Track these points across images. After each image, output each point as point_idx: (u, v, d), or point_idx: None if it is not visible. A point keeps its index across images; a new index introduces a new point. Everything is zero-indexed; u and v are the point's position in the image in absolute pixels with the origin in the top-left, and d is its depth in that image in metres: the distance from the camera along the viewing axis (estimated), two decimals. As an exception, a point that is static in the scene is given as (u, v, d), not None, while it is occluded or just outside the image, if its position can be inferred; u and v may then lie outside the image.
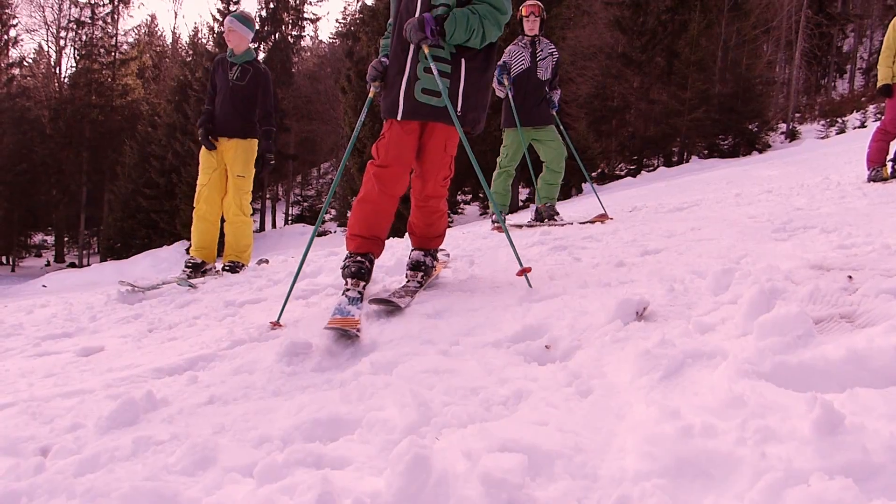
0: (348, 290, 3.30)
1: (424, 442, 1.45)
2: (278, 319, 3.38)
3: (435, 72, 3.31)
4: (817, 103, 32.16)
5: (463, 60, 3.37)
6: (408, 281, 3.58)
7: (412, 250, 3.73)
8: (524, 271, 3.22)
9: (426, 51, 3.31)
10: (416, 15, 3.35)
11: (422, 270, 3.63)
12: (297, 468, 1.60)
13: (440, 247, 4.19)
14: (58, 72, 40.04)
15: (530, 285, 3.18)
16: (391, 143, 3.43)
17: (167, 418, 2.21)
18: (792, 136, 26.39)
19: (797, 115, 29.85)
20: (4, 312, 6.13)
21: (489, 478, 1.30)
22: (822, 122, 27.07)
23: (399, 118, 3.42)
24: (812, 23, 31.25)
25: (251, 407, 2.21)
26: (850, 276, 2.30)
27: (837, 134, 24.09)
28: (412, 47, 3.38)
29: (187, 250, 25.46)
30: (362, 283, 3.34)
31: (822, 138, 23.82)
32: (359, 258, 3.41)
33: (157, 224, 30.69)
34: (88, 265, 32.11)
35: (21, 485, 1.73)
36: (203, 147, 6.00)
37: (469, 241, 5.64)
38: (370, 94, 3.65)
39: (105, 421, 2.17)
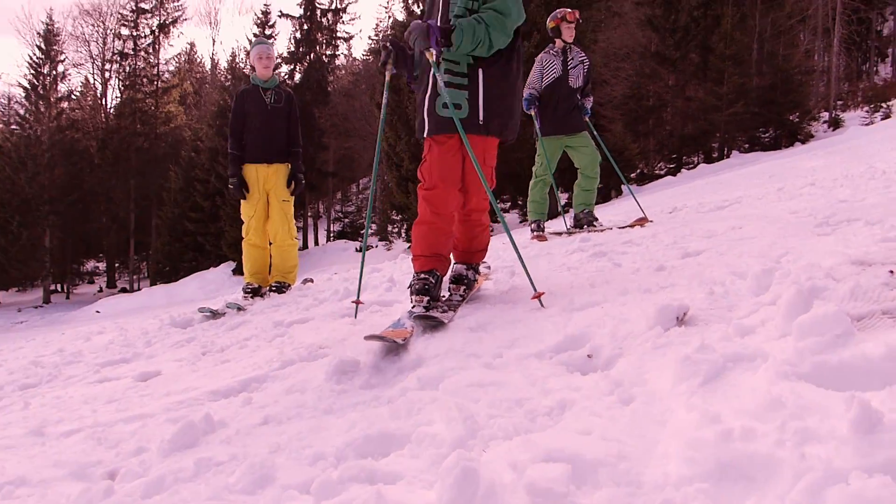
0: (413, 306, 3.38)
1: (472, 455, 1.50)
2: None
3: (441, 84, 3.33)
4: (860, 89, 31.29)
5: (480, 70, 3.40)
6: (450, 295, 3.62)
7: (454, 264, 3.76)
8: (538, 296, 3.22)
9: (430, 58, 3.33)
10: (437, 20, 3.39)
11: (464, 284, 3.66)
12: (352, 484, 1.66)
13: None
14: (104, 103, 41.28)
15: (542, 305, 3.18)
16: (433, 164, 3.49)
17: (225, 439, 2.29)
18: (835, 124, 25.74)
19: (839, 102, 29.10)
20: (64, 340, 6.38)
21: (534, 487, 1.34)
22: (866, 108, 26.31)
23: (426, 135, 3.50)
24: (849, 8, 30.50)
25: (304, 426, 2.29)
26: (891, 271, 2.28)
27: (882, 119, 23.40)
28: (431, 67, 3.41)
29: (233, 271, 26.04)
30: (426, 299, 3.38)
31: (867, 125, 23.18)
32: (423, 276, 3.47)
33: (204, 246, 31.32)
34: (139, 289, 32.91)
35: (93, 509, 1.83)
36: (246, 177, 6.14)
37: (509, 251, 5.67)
38: (387, 78, 3.69)
39: (167, 444, 2.26)
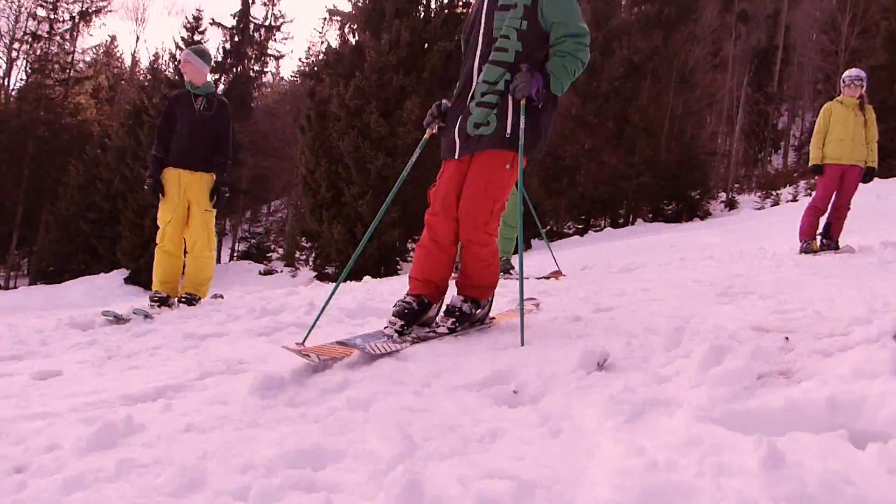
0: (386, 327, 3.38)
1: (417, 468, 1.58)
2: (304, 342, 3.35)
3: (473, 104, 3.36)
4: (754, 175, 33.71)
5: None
6: (436, 326, 3.52)
7: (455, 294, 3.60)
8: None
9: (523, 103, 3.29)
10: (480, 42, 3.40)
11: (454, 317, 3.46)
12: (293, 491, 1.69)
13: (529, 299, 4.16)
14: (6, 83, 38.90)
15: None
16: (439, 190, 3.48)
17: (147, 443, 2.23)
18: (731, 205, 27.50)
19: (736, 185, 31.23)
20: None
21: (484, 499, 1.44)
22: (759, 193, 28.33)
23: (457, 157, 3.44)
24: (751, 100, 33.08)
25: (231, 436, 2.25)
26: (786, 338, 2.59)
27: (772, 206, 25.22)
28: (474, 84, 3.41)
29: (125, 280, 24.74)
30: (399, 322, 3.35)
31: (759, 209, 24.93)
32: (408, 299, 3.45)
33: (97, 250, 29.64)
34: (16, 287, 30.80)
35: (4, 502, 1.77)
36: (167, 181, 6.00)
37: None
38: (426, 136, 3.70)
39: (84, 443, 2.20)
